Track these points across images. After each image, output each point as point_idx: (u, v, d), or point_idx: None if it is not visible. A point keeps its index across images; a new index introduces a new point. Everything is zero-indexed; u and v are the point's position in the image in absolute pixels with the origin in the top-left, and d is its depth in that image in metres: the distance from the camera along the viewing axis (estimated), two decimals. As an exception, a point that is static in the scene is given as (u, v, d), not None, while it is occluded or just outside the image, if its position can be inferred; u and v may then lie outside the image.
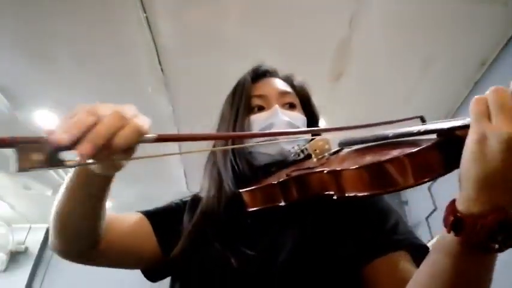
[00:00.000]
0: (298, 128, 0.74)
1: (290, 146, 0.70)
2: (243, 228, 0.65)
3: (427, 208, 2.70)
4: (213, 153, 0.76)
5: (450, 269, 0.40)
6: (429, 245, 0.61)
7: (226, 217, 0.66)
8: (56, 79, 2.15)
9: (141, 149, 0.43)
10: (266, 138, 0.70)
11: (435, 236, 2.26)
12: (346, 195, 0.46)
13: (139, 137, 0.40)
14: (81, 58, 2.01)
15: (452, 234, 0.38)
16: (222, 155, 0.73)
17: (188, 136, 0.49)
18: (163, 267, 0.69)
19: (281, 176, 0.59)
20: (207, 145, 0.76)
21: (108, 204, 0.58)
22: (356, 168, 0.45)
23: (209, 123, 0.81)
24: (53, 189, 3.24)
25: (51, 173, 2.95)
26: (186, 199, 0.78)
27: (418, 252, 0.59)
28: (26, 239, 3.71)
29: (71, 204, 0.55)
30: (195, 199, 0.75)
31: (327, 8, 1.80)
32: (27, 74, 2.09)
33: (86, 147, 0.36)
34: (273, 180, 0.59)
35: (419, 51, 2.05)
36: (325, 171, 0.50)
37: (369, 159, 0.46)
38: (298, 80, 0.86)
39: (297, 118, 0.76)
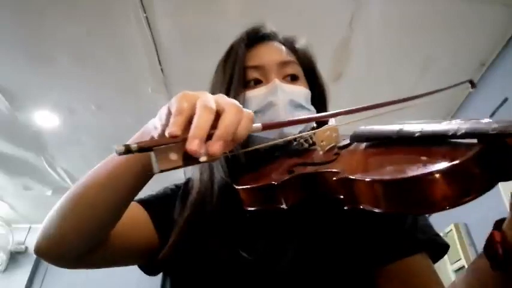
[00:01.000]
0: (301, 104, 0.65)
1: (292, 129, 0.61)
2: (240, 224, 0.60)
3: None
4: None
5: None
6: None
7: (221, 210, 0.60)
8: (56, 79, 2.14)
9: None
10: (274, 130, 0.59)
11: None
12: (361, 207, 0.38)
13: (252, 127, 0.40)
14: (81, 58, 2.01)
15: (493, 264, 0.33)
16: None
17: (288, 122, 0.54)
18: (159, 262, 0.62)
19: (282, 172, 0.52)
20: None
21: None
22: (378, 180, 0.36)
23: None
24: (53, 189, 3.24)
25: (51, 173, 2.95)
26: (181, 184, 0.72)
27: (439, 252, 0.55)
28: (26, 239, 3.71)
29: (105, 193, 0.50)
30: (189, 184, 0.68)
31: (327, 8, 1.80)
32: (27, 74, 2.09)
33: (217, 148, 0.35)
34: (274, 176, 0.52)
35: (419, 52, 2.04)
36: (334, 179, 0.41)
37: (390, 169, 0.37)
38: (301, 43, 0.74)
39: (300, 93, 0.66)
